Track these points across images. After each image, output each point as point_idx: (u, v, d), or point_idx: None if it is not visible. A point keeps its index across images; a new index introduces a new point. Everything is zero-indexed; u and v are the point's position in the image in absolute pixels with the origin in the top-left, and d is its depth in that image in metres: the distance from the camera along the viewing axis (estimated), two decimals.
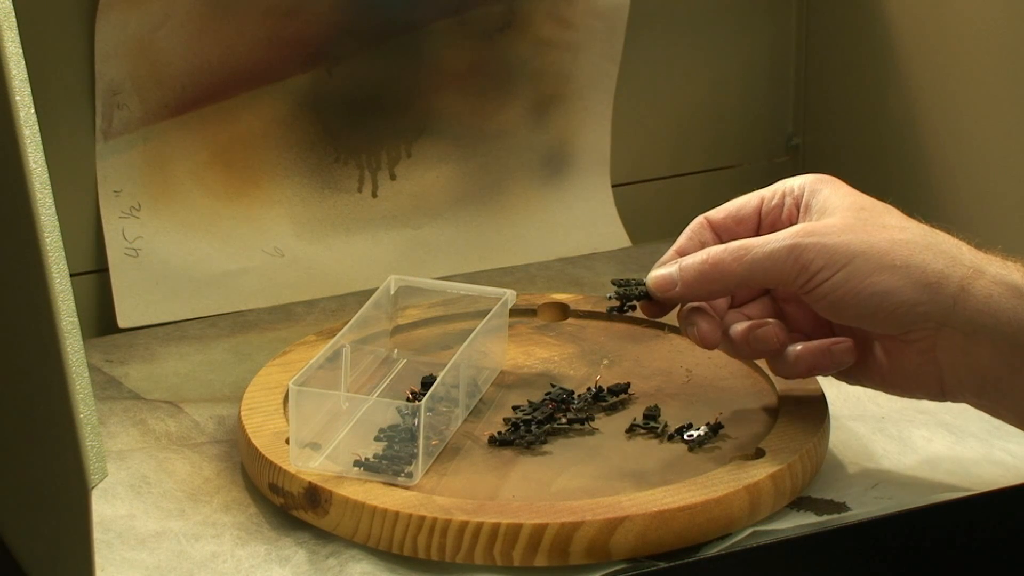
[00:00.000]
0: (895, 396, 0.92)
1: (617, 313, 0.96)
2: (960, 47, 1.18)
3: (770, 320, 0.92)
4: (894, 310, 0.87)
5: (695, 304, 0.93)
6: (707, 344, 0.92)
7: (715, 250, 0.90)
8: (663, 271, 0.92)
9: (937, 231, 0.89)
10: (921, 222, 0.90)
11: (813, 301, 0.89)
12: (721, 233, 0.94)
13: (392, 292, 1.02)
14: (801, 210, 0.92)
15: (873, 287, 0.87)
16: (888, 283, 0.86)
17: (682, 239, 0.94)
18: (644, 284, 0.94)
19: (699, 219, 0.95)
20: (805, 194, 0.93)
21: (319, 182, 1.21)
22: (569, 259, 1.27)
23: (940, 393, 0.90)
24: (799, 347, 0.91)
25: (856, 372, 0.92)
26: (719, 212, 0.95)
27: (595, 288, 1.20)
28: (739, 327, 0.92)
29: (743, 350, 0.93)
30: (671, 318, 0.95)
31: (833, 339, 0.91)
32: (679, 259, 0.92)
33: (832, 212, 0.90)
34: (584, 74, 1.27)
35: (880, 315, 0.87)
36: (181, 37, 1.14)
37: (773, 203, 0.94)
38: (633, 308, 0.95)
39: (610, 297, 0.95)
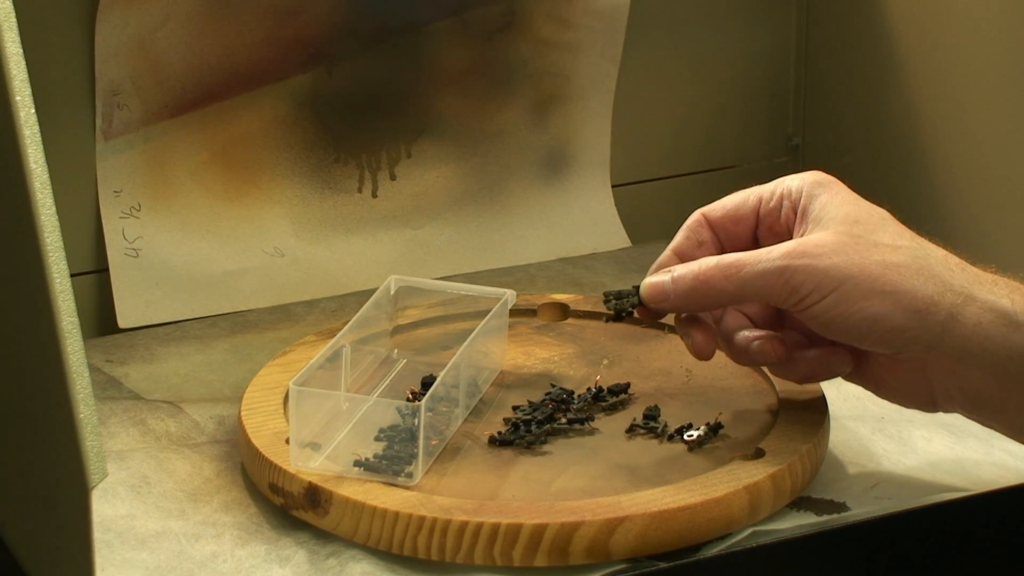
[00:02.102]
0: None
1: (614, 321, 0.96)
2: (960, 47, 1.18)
3: (770, 333, 0.92)
4: (883, 334, 0.87)
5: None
6: (702, 356, 0.92)
7: (707, 265, 0.90)
8: (656, 279, 0.92)
9: (929, 248, 0.88)
10: (916, 232, 0.90)
11: (805, 320, 0.89)
12: (718, 232, 0.94)
13: (392, 292, 1.02)
14: (798, 215, 0.92)
15: (863, 312, 0.86)
16: (878, 308, 0.86)
17: (679, 238, 0.94)
18: (637, 293, 0.93)
19: (696, 215, 0.94)
20: (803, 198, 0.92)
21: (319, 182, 1.21)
22: (569, 259, 1.27)
23: (932, 405, 0.90)
24: (796, 356, 0.91)
25: (853, 377, 0.92)
26: (717, 210, 0.94)
27: (595, 288, 1.20)
28: (739, 338, 0.92)
29: (742, 358, 0.93)
30: (672, 318, 0.95)
31: (830, 348, 0.91)
32: (672, 269, 0.91)
33: (827, 223, 0.89)
34: (584, 74, 1.26)
35: (870, 337, 0.87)
36: (181, 37, 1.14)
37: (771, 205, 0.93)
38: (629, 314, 0.95)
39: (606, 306, 0.95)
